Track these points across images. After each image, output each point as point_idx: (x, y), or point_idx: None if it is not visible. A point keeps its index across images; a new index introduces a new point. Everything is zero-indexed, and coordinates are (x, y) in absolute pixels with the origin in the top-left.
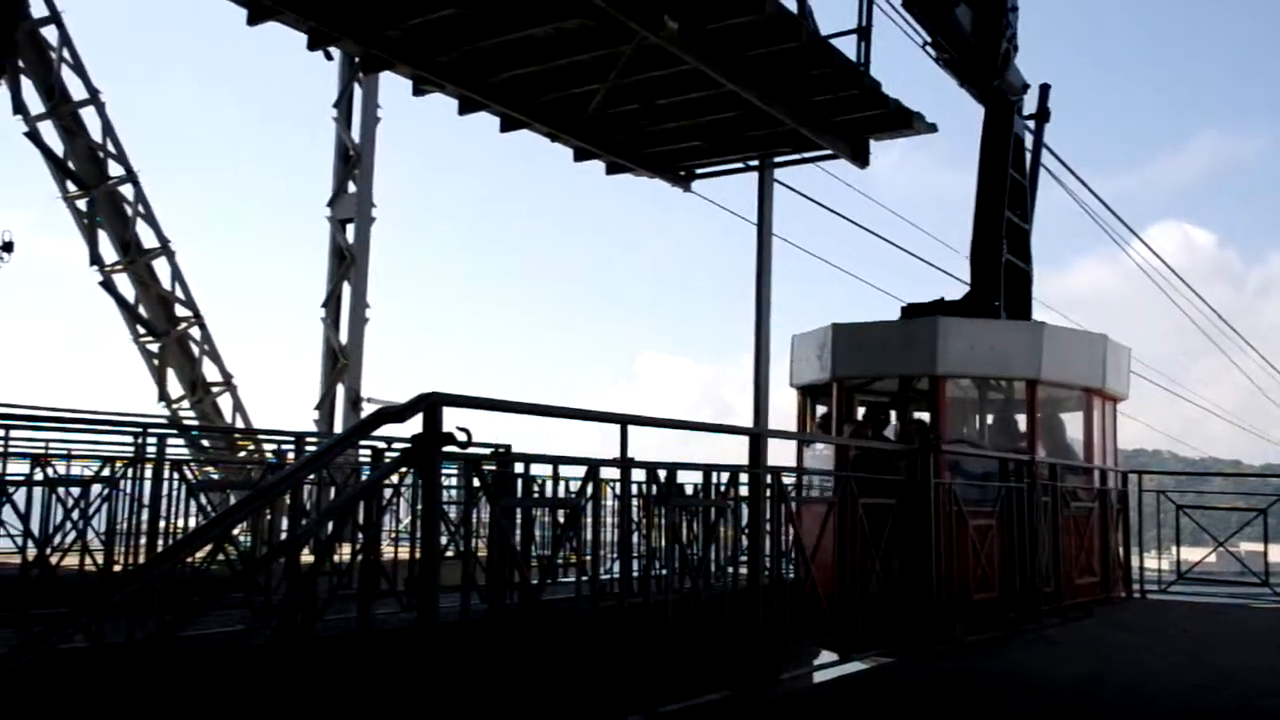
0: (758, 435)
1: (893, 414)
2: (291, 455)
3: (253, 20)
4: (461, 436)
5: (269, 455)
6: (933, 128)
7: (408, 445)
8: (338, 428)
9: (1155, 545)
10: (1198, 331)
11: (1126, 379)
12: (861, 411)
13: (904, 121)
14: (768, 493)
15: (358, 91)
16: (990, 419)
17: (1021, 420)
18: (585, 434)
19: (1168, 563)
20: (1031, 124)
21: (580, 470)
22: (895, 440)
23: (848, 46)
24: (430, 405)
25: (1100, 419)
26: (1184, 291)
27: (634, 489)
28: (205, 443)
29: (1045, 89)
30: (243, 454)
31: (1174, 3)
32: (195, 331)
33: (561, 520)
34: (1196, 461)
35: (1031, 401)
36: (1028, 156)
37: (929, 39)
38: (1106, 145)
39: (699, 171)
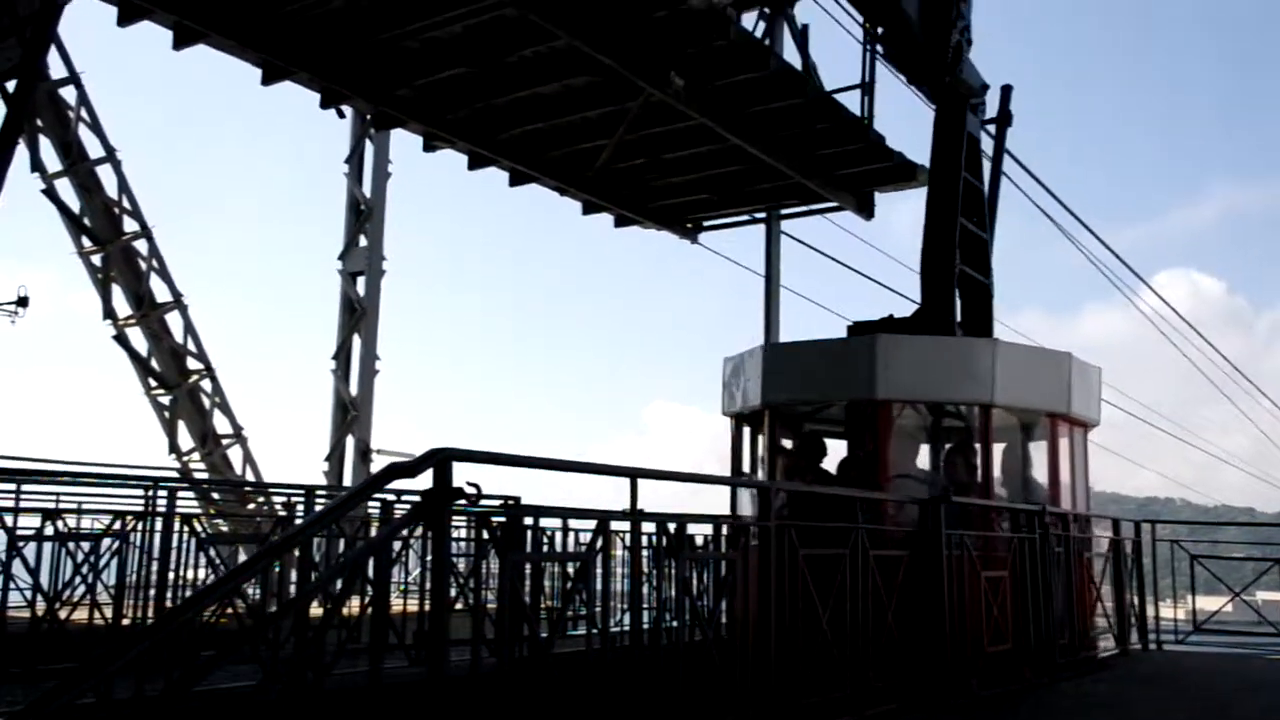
0: (767, 489)
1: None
2: (301, 508)
3: (267, 80)
4: (471, 491)
5: (279, 509)
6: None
7: (418, 500)
8: (347, 479)
9: (1171, 594)
10: (1210, 378)
11: (1097, 403)
12: (775, 447)
13: (908, 174)
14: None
15: (369, 147)
16: (944, 451)
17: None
18: (595, 484)
19: (1183, 612)
20: (994, 128)
21: (590, 521)
22: (836, 475)
23: (851, 101)
24: (440, 461)
25: (1068, 448)
26: (1194, 339)
27: (644, 540)
28: (215, 495)
29: (1007, 90)
30: (252, 506)
31: (1184, 57)
32: (206, 384)
33: (571, 573)
34: (1210, 509)
35: (985, 428)
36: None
37: (871, 29)
38: (1117, 197)
39: (706, 224)
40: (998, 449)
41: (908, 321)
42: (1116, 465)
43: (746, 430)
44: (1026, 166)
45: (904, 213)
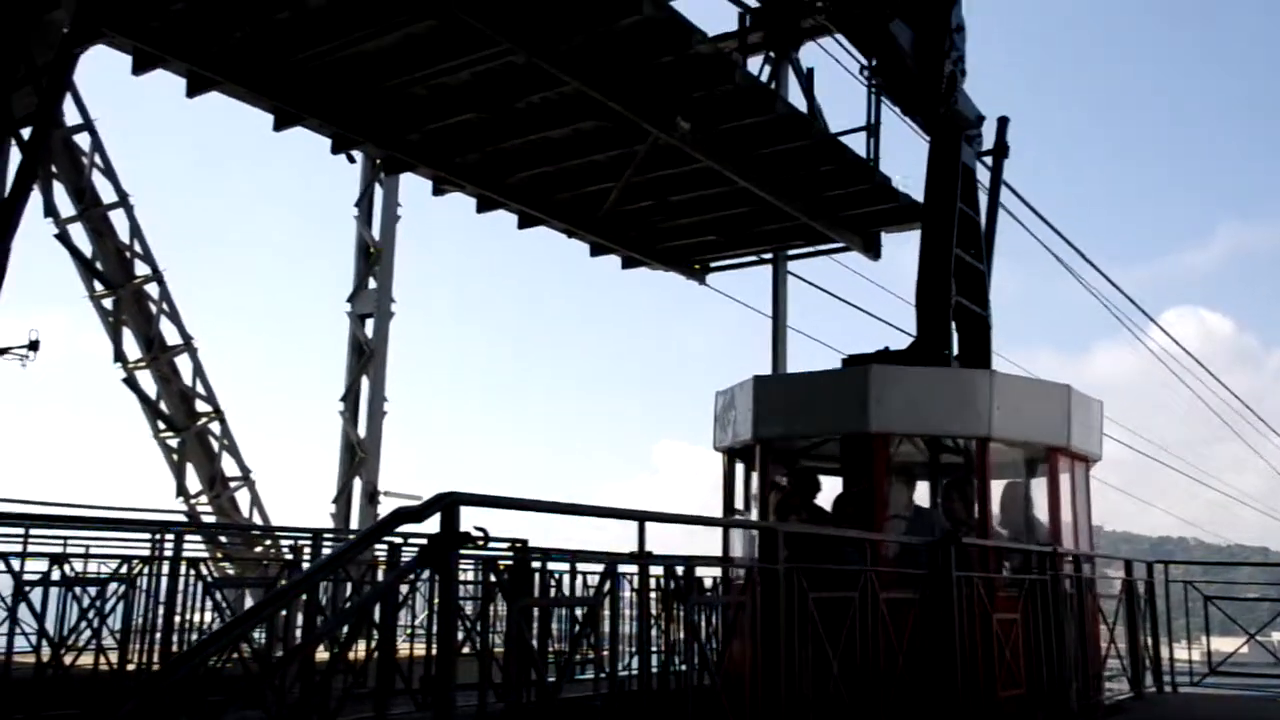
0: (773, 531)
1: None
2: (308, 552)
3: (279, 126)
4: (479, 536)
5: (285, 552)
6: None
7: (424, 544)
8: (354, 521)
9: (1185, 636)
10: (1221, 417)
11: (1098, 437)
12: (765, 487)
13: (914, 215)
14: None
15: (379, 190)
16: (940, 486)
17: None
18: (603, 526)
19: (1198, 654)
20: (990, 160)
21: (598, 563)
22: (831, 511)
23: (857, 143)
24: (448, 505)
25: (1069, 484)
26: (1204, 377)
27: (652, 583)
28: (223, 539)
29: (1003, 122)
30: (259, 549)
31: (1192, 96)
32: (215, 426)
33: (580, 617)
34: (1223, 549)
35: (982, 462)
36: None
37: (866, 62)
38: (1125, 236)
39: (713, 264)
40: (998, 485)
41: (903, 354)
42: (1128, 504)
43: (739, 466)
44: (1032, 206)
45: (911, 252)
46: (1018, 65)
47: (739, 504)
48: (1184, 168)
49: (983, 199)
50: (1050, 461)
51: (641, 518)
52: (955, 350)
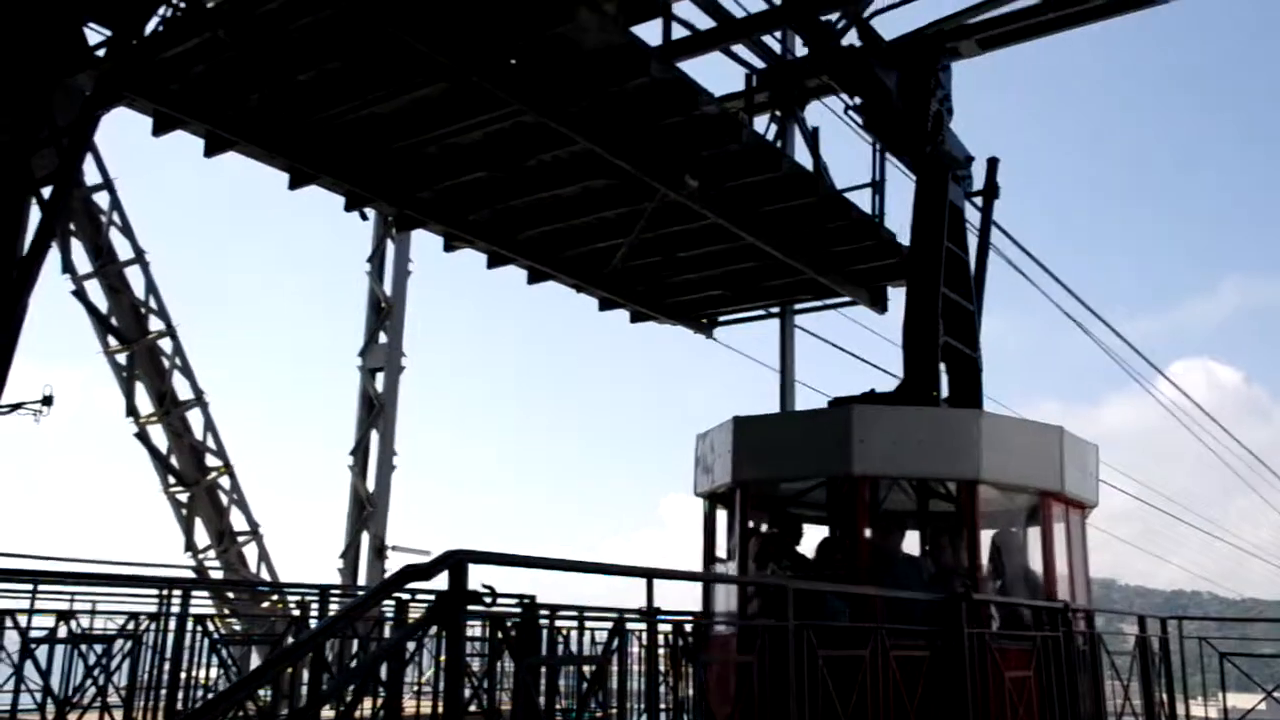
0: (782, 588)
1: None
2: (316, 608)
3: (294, 185)
4: (487, 595)
5: (292, 608)
6: None
7: (432, 601)
8: (362, 576)
9: (1201, 692)
10: (1234, 469)
11: (1094, 482)
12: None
13: None
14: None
15: (390, 246)
16: (928, 533)
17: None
18: (612, 579)
19: (1215, 710)
20: (981, 201)
21: (606, 619)
22: (815, 559)
23: (863, 199)
24: (456, 563)
25: (1064, 532)
26: (1214, 429)
27: (660, 638)
28: (230, 594)
29: (993, 163)
30: (266, 605)
31: (1199, 151)
32: (225, 481)
33: (587, 673)
34: (1238, 603)
35: (971, 508)
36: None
37: (852, 102)
38: (1132, 288)
39: (721, 319)
40: (989, 533)
41: (890, 396)
42: (1141, 558)
43: (721, 512)
44: (1038, 259)
45: None
46: (1024, 121)
47: (720, 552)
48: (1189, 222)
49: (973, 241)
50: (1043, 507)
51: (649, 575)
52: (945, 393)
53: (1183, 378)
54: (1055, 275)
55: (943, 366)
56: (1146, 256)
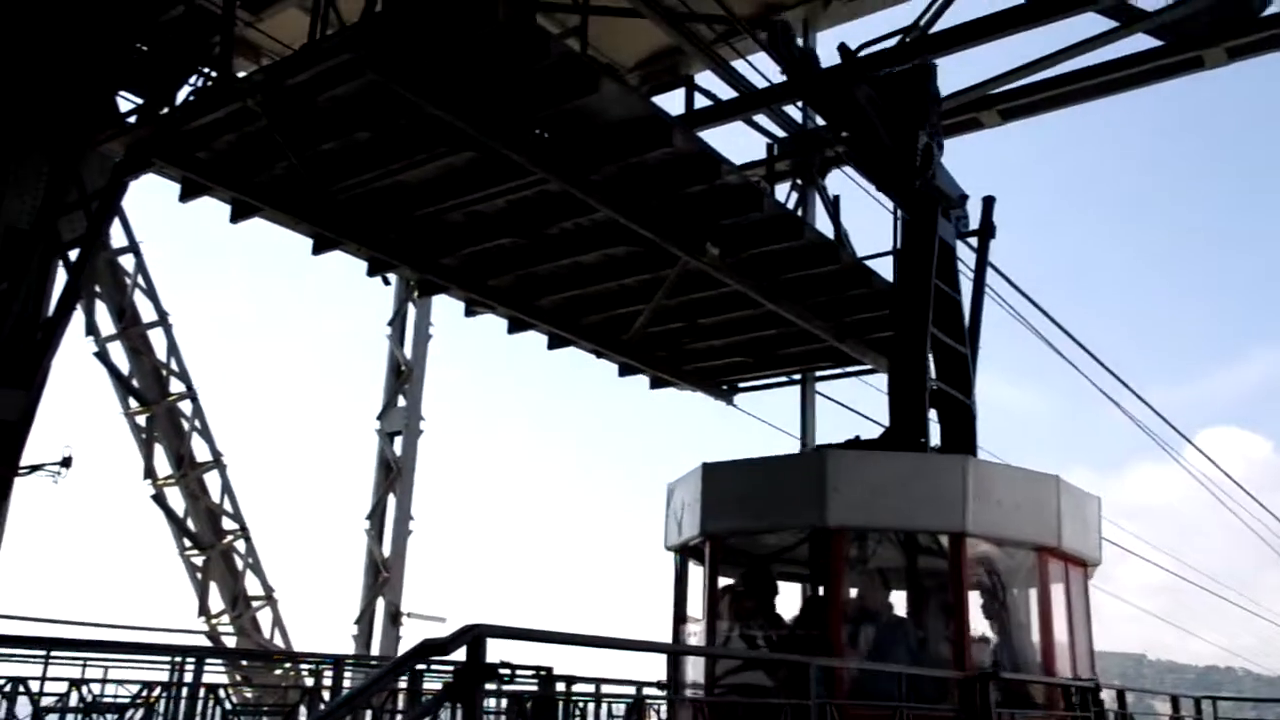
0: (805, 665)
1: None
2: (330, 678)
3: (318, 250)
4: (505, 673)
5: (306, 677)
6: None
7: (451, 678)
8: (376, 643)
9: None
10: (1266, 541)
11: (1096, 538)
12: (723, 582)
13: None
14: None
15: (411, 310)
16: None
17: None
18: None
19: None
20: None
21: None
22: (799, 618)
23: (884, 267)
24: (474, 638)
25: (1063, 592)
26: (1245, 500)
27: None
28: (244, 661)
29: (989, 202)
30: (279, 672)
31: (1225, 223)
32: (240, 544)
33: None
34: (1273, 680)
35: (958, 564)
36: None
37: (836, 135)
38: (1161, 360)
39: (741, 385)
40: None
41: (874, 443)
42: (1172, 633)
43: (693, 567)
44: (1064, 327)
45: None
46: (1058, 197)
47: (693, 610)
48: (1217, 292)
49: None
50: (1040, 564)
51: (670, 650)
52: (938, 441)
53: (1211, 448)
54: (1081, 343)
55: (934, 415)
56: (1175, 325)
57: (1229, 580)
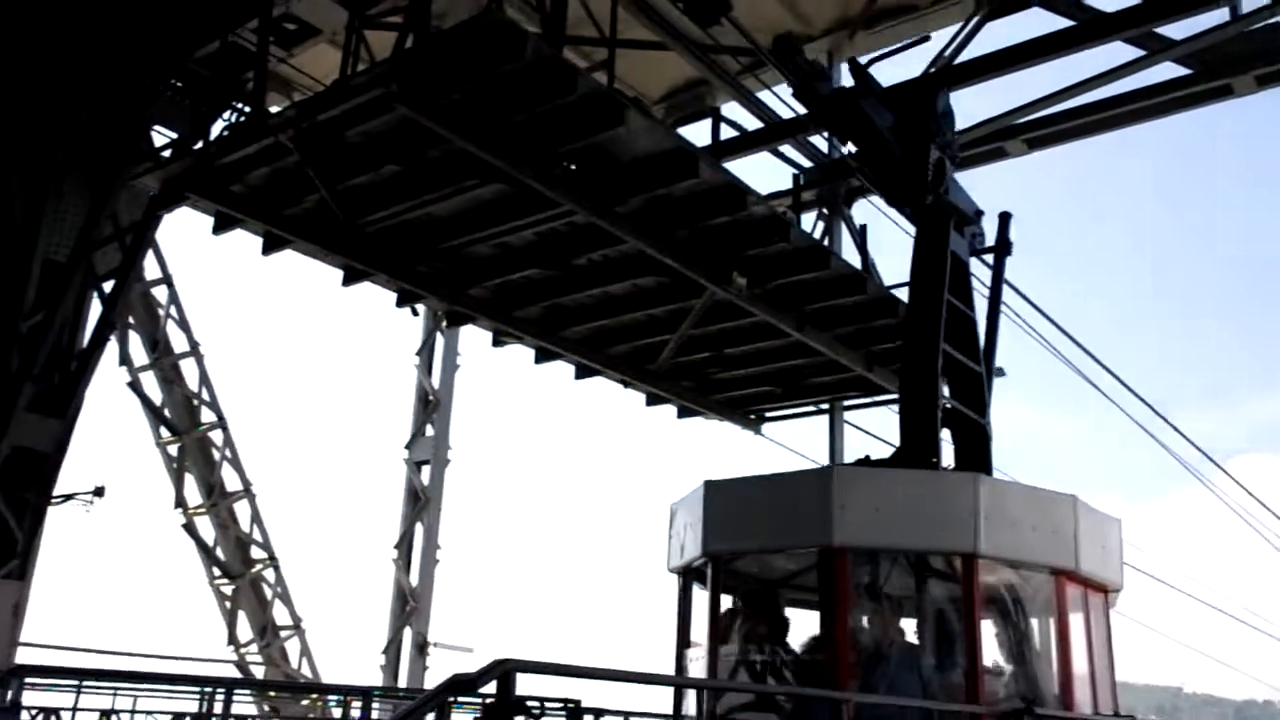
0: (841, 703)
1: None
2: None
3: (348, 282)
4: (535, 709)
5: (334, 708)
6: (999, 372)
7: (479, 709)
8: (403, 673)
9: None
10: None
11: (1118, 562)
12: (727, 601)
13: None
14: None
15: (439, 340)
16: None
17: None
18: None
19: None
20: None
21: None
22: (807, 648)
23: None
24: (504, 673)
25: (1082, 620)
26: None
27: None
28: (272, 692)
29: (1005, 218)
30: (305, 702)
31: (1257, 246)
32: (269, 574)
33: None
34: None
35: (969, 587)
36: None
37: (845, 149)
38: (1190, 384)
39: (769, 415)
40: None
41: (884, 463)
42: (1209, 664)
43: (696, 590)
44: (1093, 353)
45: None
46: (1088, 226)
47: (696, 636)
48: (1250, 317)
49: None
50: (1056, 589)
51: (699, 685)
52: (951, 462)
53: (1245, 474)
54: (1112, 370)
55: (948, 435)
56: (1207, 351)
57: (1268, 611)
